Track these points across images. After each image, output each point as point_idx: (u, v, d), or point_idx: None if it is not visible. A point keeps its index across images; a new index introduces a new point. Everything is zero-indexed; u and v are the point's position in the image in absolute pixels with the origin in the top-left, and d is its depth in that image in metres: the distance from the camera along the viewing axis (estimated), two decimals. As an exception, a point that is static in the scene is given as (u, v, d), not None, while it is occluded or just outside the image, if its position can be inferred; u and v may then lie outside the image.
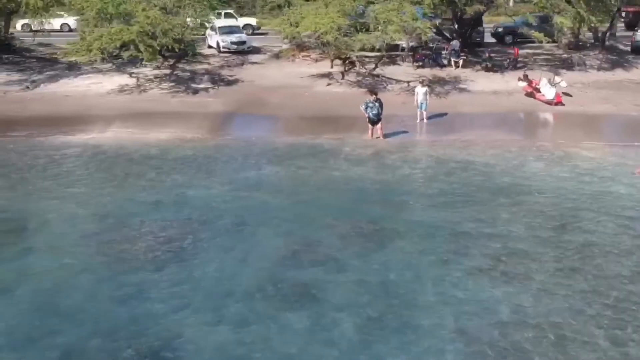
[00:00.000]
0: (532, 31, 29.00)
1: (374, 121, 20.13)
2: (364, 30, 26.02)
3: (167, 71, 29.17)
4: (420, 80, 23.56)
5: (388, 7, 24.69)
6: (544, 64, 30.76)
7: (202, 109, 24.00)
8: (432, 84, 26.04)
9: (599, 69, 29.89)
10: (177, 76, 28.94)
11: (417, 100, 22.40)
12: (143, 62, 27.98)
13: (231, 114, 23.66)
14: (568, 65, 30.18)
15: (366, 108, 20.08)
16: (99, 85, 27.19)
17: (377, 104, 20.05)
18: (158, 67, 29.35)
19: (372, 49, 27.53)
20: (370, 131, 20.29)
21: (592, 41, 34.04)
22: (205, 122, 22.24)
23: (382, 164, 17.70)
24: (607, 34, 33.70)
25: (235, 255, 11.76)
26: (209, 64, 31.34)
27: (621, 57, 32.09)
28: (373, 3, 28.15)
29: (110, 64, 28.59)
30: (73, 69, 29.48)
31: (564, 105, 23.99)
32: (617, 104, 23.90)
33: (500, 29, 37.47)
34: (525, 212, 14.03)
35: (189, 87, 27.35)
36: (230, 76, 29.26)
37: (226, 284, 10.67)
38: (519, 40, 35.84)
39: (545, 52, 33.25)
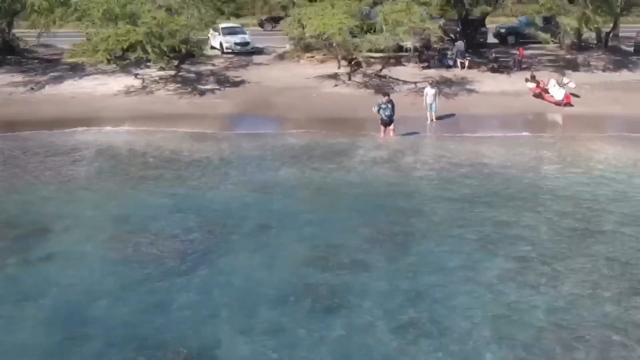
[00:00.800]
0: (538, 32, 28.97)
1: (387, 122, 20.11)
2: (372, 31, 25.93)
3: (172, 72, 29.00)
4: (430, 81, 23.56)
5: (396, 8, 24.62)
6: (548, 64, 30.79)
7: (211, 111, 23.88)
8: (439, 85, 25.99)
9: (605, 69, 29.94)
10: (183, 77, 28.80)
11: (426, 102, 22.42)
12: (147, 64, 27.96)
13: (240, 115, 23.58)
14: (573, 66, 30.22)
15: (379, 109, 20.05)
16: (106, 87, 27.01)
17: (389, 105, 20.04)
18: (163, 68, 29.16)
19: (377, 50, 27.55)
20: (382, 132, 20.27)
21: (595, 42, 34.13)
22: (215, 124, 22.13)
23: (397, 165, 17.62)
24: (610, 35, 33.86)
25: (262, 259, 11.62)
26: (213, 65, 31.22)
27: (625, 57, 32.17)
28: (378, 4, 28.20)
29: (114, 65, 28.38)
30: (77, 70, 29.31)
31: (572, 106, 24.01)
32: (626, 104, 23.90)
33: (502, 30, 37.59)
34: (547, 211, 14.04)
35: (195, 89, 27.22)
36: (236, 77, 29.15)
37: (256, 289, 10.55)
38: (521, 40, 35.94)
39: (548, 52, 33.29)
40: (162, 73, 28.96)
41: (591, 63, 30.72)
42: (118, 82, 27.60)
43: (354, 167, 17.35)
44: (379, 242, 12.42)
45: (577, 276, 11.01)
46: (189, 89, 27.09)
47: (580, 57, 31.07)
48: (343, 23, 24.20)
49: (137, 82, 27.81)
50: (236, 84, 28.16)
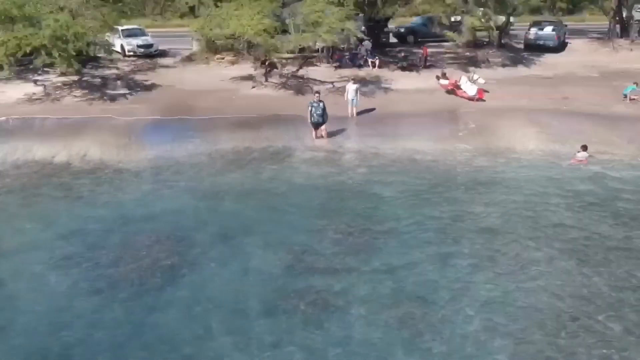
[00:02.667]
0: (445, 30, 30.22)
1: (318, 122, 20.02)
2: (285, 32, 25.77)
3: (75, 77, 27.32)
4: (352, 78, 23.85)
5: (315, 9, 24.62)
6: (451, 62, 32.12)
7: (129, 116, 22.69)
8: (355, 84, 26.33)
9: (503, 66, 31.58)
10: (88, 82, 27.21)
11: (347, 97, 22.74)
12: (45, 69, 26.23)
13: (162, 121, 22.53)
14: (474, 62, 31.71)
15: (311, 108, 19.95)
16: (3, 95, 24.91)
17: (320, 104, 19.97)
18: (63, 74, 27.45)
19: (289, 51, 27.43)
20: (314, 132, 20.18)
21: (487, 40, 36.05)
22: (137, 130, 21.05)
23: (339, 164, 17.65)
24: (503, 33, 35.92)
25: (234, 270, 11.19)
26: (117, 68, 29.78)
27: (517, 54, 34.16)
28: (287, 5, 28.14)
29: (7, 72, 26.17)
30: (-38, 77, 26.87)
31: (484, 100, 25.20)
32: (532, 97, 25.44)
33: (402, 29, 38.74)
34: (491, 200, 14.71)
35: (104, 94, 25.76)
36: (145, 81, 27.91)
37: (239, 302, 10.14)
38: (420, 39, 37.36)
39: (447, 50, 34.81)
40: (63, 79, 27.26)
41: (490, 60, 32.38)
42: (16, 90, 25.56)
43: (297, 167, 17.15)
44: (347, 241, 12.40)
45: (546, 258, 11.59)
46: (98, 95, 25.61)
47: (480, 54, 32.67)
48: (263, 24, 23.85)
49: (38, 89, 25.95)
50: (148, 88, 26.97)
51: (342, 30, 24.51)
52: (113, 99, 25.26)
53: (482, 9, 29.72)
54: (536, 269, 11.22)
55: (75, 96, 25.41)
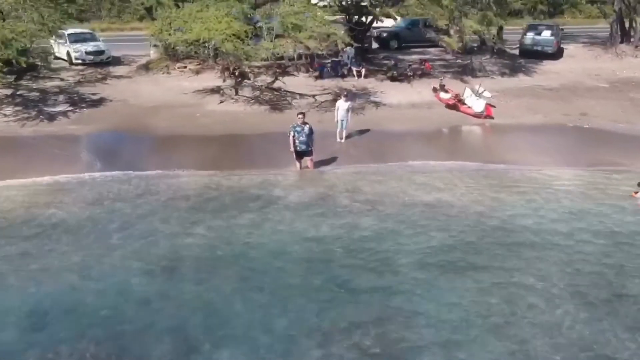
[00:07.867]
0: (442, 35, 26.73)
1: (304, 151, 16.11)
2: (264, 37, 21.80)
3: (8, 92, 22.93)
4: (344, 93, 19.94)
5: (294, 10, 20.68)
6: (443, 70, 28.63)
7: (66, 142, 18.43)
8: (339, 97, 22.49)
9: (502, 74, 28.22)
10: (23, 97, 22.84)
11: (337, 116, 18.82)
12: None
13: (109, 146, 18.33)
14: (470, 71, 28.22)
15: (293, 134, 15.98)
16: None
17: (305, 128, 16.03)
18: (-7, 87, 23.07)
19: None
20: (297, 165, 16.27)
21: (478, 45, 32.66)
22: (75, 160, 16.81)
23: (336, 211, 13.50)
24: (496, 38, 32.58)
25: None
26: (61, 79, 25.50)
27: (514, 61, 30.98)
28: (259, 6, 24.25)
29: None
30: None
31: (493, 118, 21.58)
32: (546, 114, 22.02)
33: (384, 34, 35.04)
34: (549, 264, 11.05)
35: (41, 112, 21.42)
36: (93, 94, 23.69)
37: None
38: (404, 45, 33.99)
39: (435, 57, 31.47)
40: (-7, 93, 22.85)
41: (487, 68, 28.92)
42: None
43: (281, 217, 13.11)
44: (371, 329, 8.53)
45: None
46: (34, 113, 21.27)
47: (476, 62, 29.16)
48: (231, 28, 19.83)
49: (-42, 107, 21.52)
50: (95, 103, 22.74)
51: (328, 35, 20.60)
52: (51, 118, 20.93)
53: (480, 11, 26.19)
54: None
55: (4, 115, 21.01)
